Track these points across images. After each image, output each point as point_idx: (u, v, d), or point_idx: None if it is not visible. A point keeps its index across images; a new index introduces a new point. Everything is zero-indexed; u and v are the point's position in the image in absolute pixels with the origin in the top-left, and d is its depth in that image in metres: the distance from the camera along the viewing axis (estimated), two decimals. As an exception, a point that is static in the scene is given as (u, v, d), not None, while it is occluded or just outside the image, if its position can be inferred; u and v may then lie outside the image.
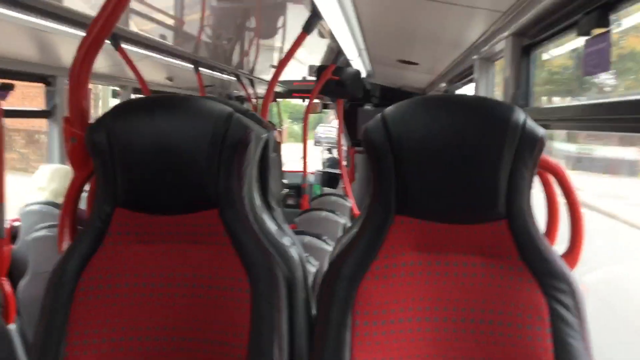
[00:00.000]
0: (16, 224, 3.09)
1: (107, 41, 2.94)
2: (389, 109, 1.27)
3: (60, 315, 1.28)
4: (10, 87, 3.05)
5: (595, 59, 1.42)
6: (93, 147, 1.32)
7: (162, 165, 1.30)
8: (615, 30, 1.40)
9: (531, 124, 1.20)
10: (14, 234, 2.94)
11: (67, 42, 2.83)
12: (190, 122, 1.31)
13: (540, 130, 1.21)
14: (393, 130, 1.23)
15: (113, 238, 1.34)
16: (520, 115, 1.20)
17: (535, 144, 1.20)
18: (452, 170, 1.21)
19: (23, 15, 2.27)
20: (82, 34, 1.40)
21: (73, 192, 1.43)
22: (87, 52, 1.39)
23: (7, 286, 2.50)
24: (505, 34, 2.12)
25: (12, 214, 2.77)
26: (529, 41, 2.06)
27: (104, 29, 1.38)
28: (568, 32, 1.76)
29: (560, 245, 1.33)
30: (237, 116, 1.34)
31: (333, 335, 1.21)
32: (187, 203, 1.33)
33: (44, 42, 2.98)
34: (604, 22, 1.41)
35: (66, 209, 1.44)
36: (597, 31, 1.43)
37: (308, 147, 4.65)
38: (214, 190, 1.32)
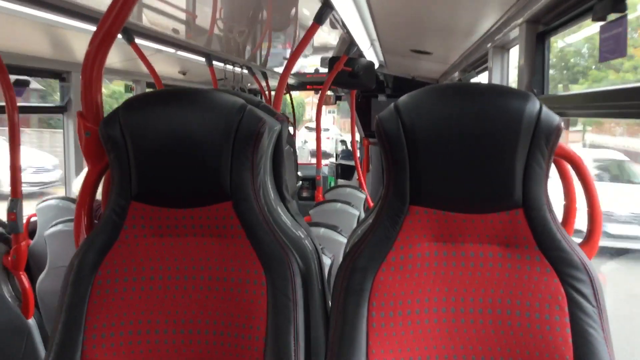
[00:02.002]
0: (33, 219, 3.12)
1: (120, 36, 2.96)
2: (403, 99, 1.26)
3: (78, 309, 1.29)
4: (26, 84, 3.08)
5: (612, 45, 1.40)
6: (107, 141, 1.33)
7: (176, 158, 1.30)
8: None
9: (547, 111, 1.19)
10: (31, 229, 2.97)
11: (80, 38, 2.84)
12: (203, 115, 1.31)
13: (556, 118, 1.19)
14: (407, 120, 1.22)
15: (129, 232, 1.34)
16: (536, 103, 1.18)
17: (551, 131, 1.18)
18: (467, 159, 1.20)
19: (37, 12, 2.28)
20: (95, 29, 1.40)
21: (88, 187, 1.44)
22: (99, 46, 1.39)
23: (26, 281, 2.53)
24: (519, 21, 2.09)
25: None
26: (544, 28, 2.03)
27: (115, 23, 1.38)
28: (583, 17, 1.73)
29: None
30: (250, 108, 1.34)
31: (349, 326, 1.21)
32: (201, 196, 1.33)
33: (58, 38, 3.00)
34: (620, 7, 1.38)
35: (82, 203, 1.45)
36: (612, 16, 1.41)
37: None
38: (228, 183, 1.32)
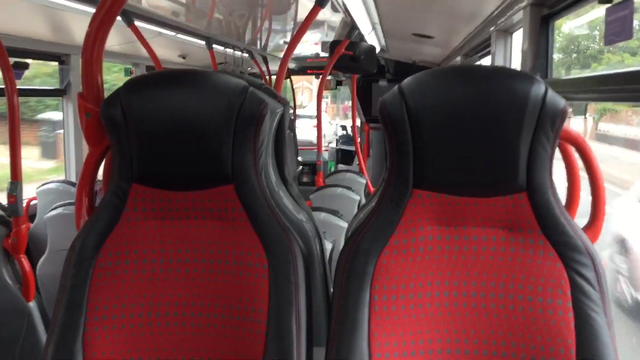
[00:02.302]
0: (34, 202, 3.12)
1: (120, 19, 2.94)
2: (407, 81, 1.25)
3: (80, 292, 1.29)
4: (25, 66, 3.06)
5: (618, 27, 1.38)
6: (108, 122, 1.31)
7: (177, 140, 1.29)
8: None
9: (552, 94, 1.18)
10: (31, 212, 2.97)
11: (80, 20, 2.82)
12: (205, 96, 1.30)
13: (562, 101, 1.18)
14: (411, 103, 1.20)
15: (130, 214, 1.34)
16: (541, 86, 1.17)
17: (556, 114, 1.17)
18: (471, 142, 1.19)
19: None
20: (95, 10, 1.39)
21: (89, 169, 1.43)
22: (99, 27, 1.38)
23: (26, 264, 2.53)
24: (524, 3, 2.07)
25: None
26: (548, 11, 2.01)
27: (115, 3, 1.37)
28: (588, 0, 1.71)
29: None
30: (251, 90, 1.32)
31: (351, 310, 1.21)
32: (203, 179, 1.33)
33: (58, 20, 2.98)
34: None
35: (82, 185, 1.44)
36: None
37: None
38: (230, 165, 1.31)
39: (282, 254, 1.29)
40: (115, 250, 1.32)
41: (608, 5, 1.45)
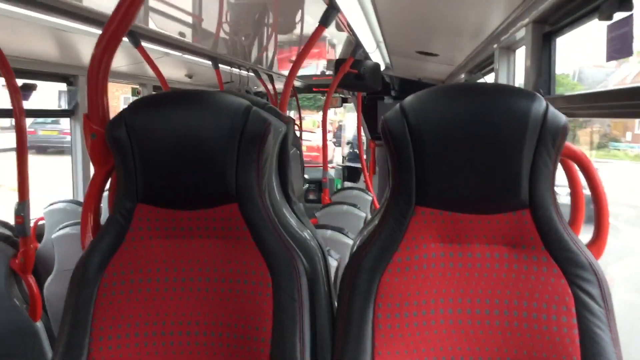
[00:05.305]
0: (41, 222, 3.13)
1: (127, 40, 2.97)
2: (408, 99, 1.26)
3: (85, 311, 1.29)
4: (33, 87, 3.09)
5: (618, 44, 1.39)
6: (113, 143, 1.33)
7: (182, 160, 1.30)
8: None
9: (553, 111, 1.18)
10: (39, 232, 2.98)
11: (87, 42, 2.86)
12: (209, 116, 1.31)
13: (563, 118, 1.19)
14: (412, 120, 1.21)
15: (135, 234, 1.35)
16: (542, 103, 1.18)
17: (557, 131, 1.18)
18: (473, 160, 1.19)
19: (43, 16, 2.29)
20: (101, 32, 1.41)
21: (94, 189, 1.44)
22: (104, 49, 1.40)
23: (33, 284, 2.54)
24: (526, 21, 2.08)
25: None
26: (550, 28, 2.02)
27: (120, 26, 1.39)
28: (589, 17, 1.72)
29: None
30: (255, 109, 1.34)
31: (355, 328, 1.21)
32: (207, 198, 1.33)
33: (65, 42, 3.01)
34: (626, 6, 1.38)
35: (88, 205, 1.45)
36: (619, 15, 1.40)
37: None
38: (233, 184, 1.32)
39: (286, 273, 1.29)
40: (120, 269, 1.33)
41: (609, 22, 1.46)
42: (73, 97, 3.65)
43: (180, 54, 3.80)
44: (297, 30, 3.48)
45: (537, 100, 1.18)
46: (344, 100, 7.04)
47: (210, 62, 4.30)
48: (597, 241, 1.30)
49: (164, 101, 1.35)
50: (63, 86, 3.67)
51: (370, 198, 3.94)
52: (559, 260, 1.20)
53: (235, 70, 4.84)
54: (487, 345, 1.21)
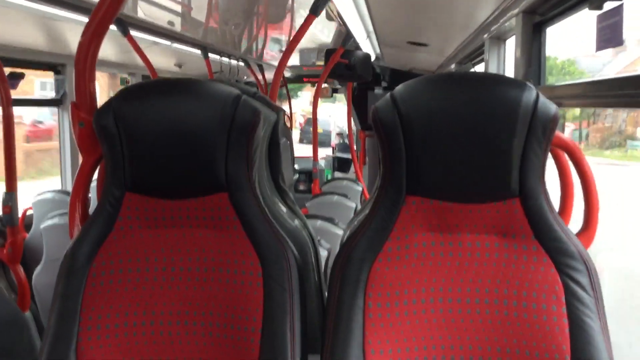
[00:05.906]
0: (29, 212, 3.11)
1: (115, 28, 2.95)
2: (399, 88, 1.25)
3: (73, 301, 1.28)
4: (20, 76, 3.07)
5: (608, 34, 1.40)
6: (101, 131, 1.32)
7: (170, 149, 1.29)
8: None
9: (544, 100, 1.18)
10: (27, 222, 2.96)
11: (75, 30, 2.83)
12: (198, 105, 1.30)
13: (553, 107, 1.19)
14: (403, 109, 1.21)
15: (123, 223, 1.34)
16: (532, 92, 1.18)
17: (548, 121, 1.18)
18: (463, 149, 1.19)
19: (30, 3, 2.27)
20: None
21: (82, 178, 1.43)
22: (92, 37, 1.38)
23: (22, 274, 2.53)
24: (516, 11, 2.08)
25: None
26: (540, 18, 2.02)
27: (107, 13, 1.37)
28: (580, 7, 1.72)
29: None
30: (245, 98, 1.33)
31: (345, 317, 1.21)
32: (196, 187, 1.33)
33: (53, 30, 2.99)
34: None
35: (76, 195, 1.44)
36: (609, 5, 1.41)
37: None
38: (223, 173, 1.31)
39: (276, 262, 1.29)
40: (108, 259, 1.32)
41: (599, 12, 1.46)
42: (61, 86, 3.62)
43: (169, 43, 3.78)
44: (288, 20, 3.46)
45: (527, 89, 1.18)
46: (335, 91, 7.02)
47: (199, 52, 4.28)
48: (587, 230, 1.31)
49: (153, 89, 1.34)
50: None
51: (360, 188, 3.95)
52: (548, 250, 1.21)
53: (225, 59, 4.82)
54: (477, 334, 1.22)
